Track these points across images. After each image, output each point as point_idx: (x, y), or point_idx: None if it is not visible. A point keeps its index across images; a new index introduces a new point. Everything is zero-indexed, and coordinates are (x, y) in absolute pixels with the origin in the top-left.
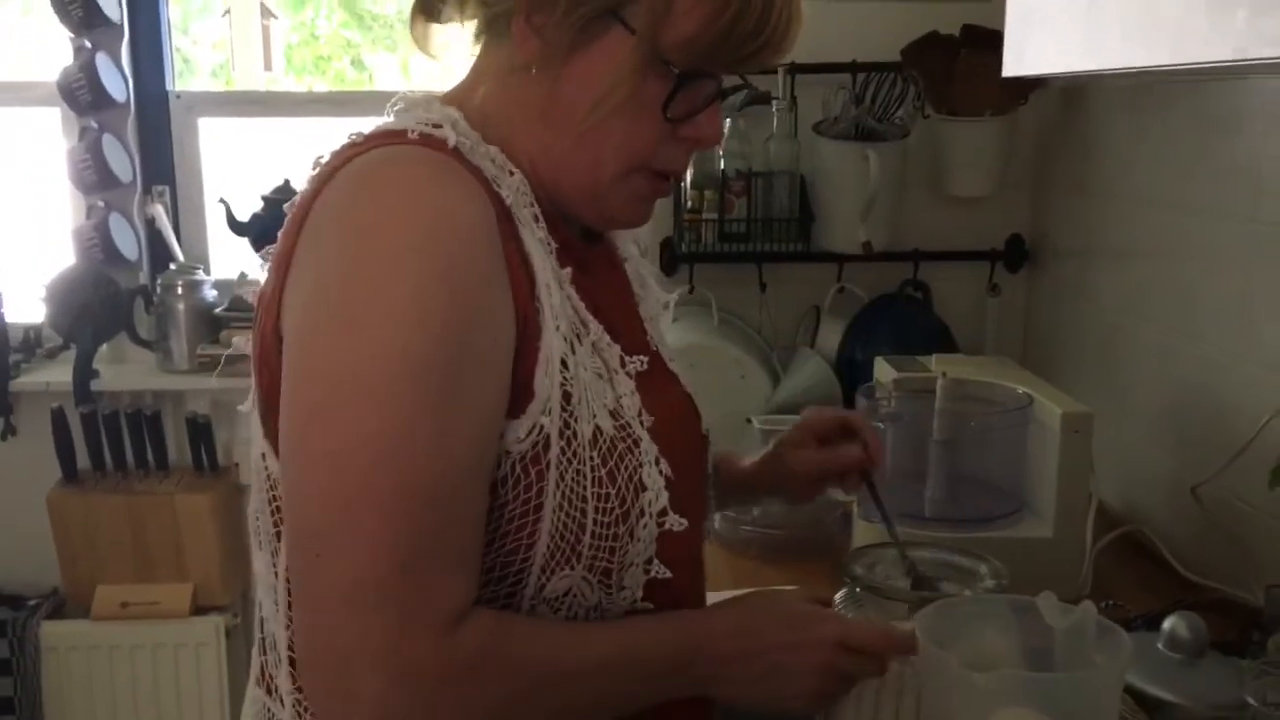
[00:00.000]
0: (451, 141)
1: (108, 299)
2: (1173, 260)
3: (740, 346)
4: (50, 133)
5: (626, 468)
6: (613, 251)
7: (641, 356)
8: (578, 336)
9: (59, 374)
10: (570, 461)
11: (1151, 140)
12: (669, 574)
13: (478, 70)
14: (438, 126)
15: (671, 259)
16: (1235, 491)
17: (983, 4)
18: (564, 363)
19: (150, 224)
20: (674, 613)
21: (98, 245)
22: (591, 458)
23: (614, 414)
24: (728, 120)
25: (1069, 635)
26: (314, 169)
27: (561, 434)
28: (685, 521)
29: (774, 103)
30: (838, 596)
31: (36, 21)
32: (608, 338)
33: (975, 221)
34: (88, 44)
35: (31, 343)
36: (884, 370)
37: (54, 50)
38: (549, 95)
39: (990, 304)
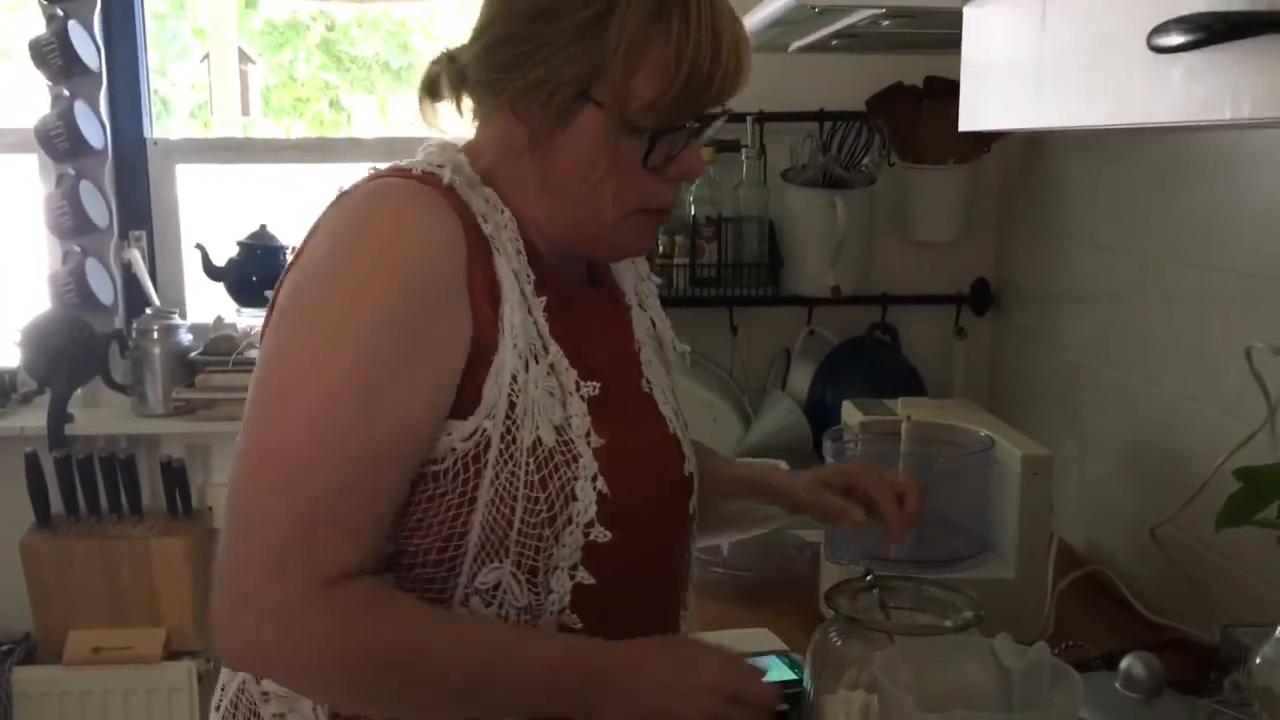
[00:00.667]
0: (446, 179)
1: (83, 343)
2: (1132, 305)
3: (712, 389)
4: (27, 178)
5: (560, 478)
6: (618, 297)
7: (595, 383)
8: (535, 357)
9: (33, 418)
10: (506, 464)
11: (1108, 188)
12: (592, 580)
13: (480, 139)
14: (441, 167)
15: None
16: (1193, 533)
17: (945, 56)
18: (514, 377)
19: (126, 269)
20: (572, 635)
21: (73, 290)
22: (527, 464)
23: (560, 429)
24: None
25: (1025, 676)
26: (336, 195)
27: (503, 439)
28: (609, 534)
29: (743, 150)
30: (820, 630)
31: (13, 68)
32: (566, 362)
33: (941, 266)
34: (66, 92)
35: (6, 387)
36: (851, 413)
37: (31, 96)
38: (543, 171)
39: (956, 346)
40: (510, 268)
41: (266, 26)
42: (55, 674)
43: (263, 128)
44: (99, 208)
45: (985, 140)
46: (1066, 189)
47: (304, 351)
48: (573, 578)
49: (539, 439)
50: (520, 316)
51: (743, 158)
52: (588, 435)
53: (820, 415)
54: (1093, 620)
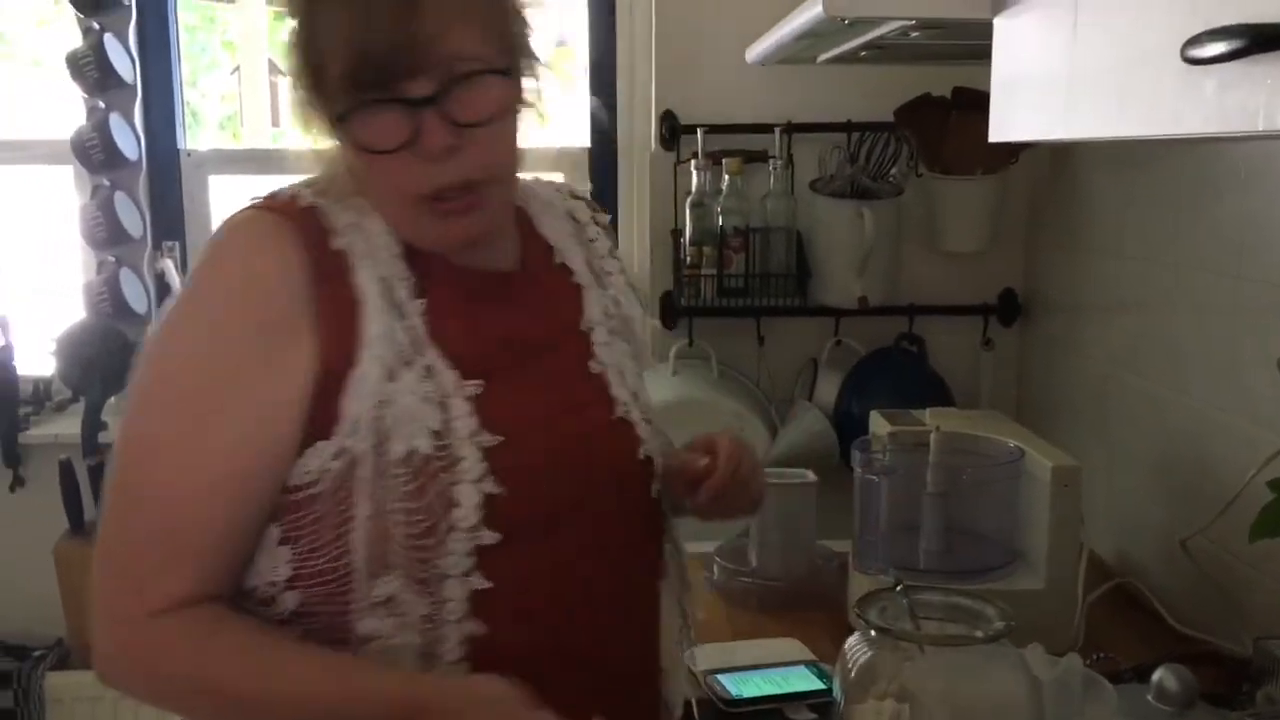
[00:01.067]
0: (304, 203)
1: (116, 352)
2: (1161, 315)
3: (739, 399)
4: (63, 189)
5: (438, 485)
6: (564, 276)
7: (478, 382)
8: (406, 363)
9: (68, 426)
10: (379, 478)
11: (1138, 198)
12: (487, 584)
13: None
14: (309, 187)
15: (671, 313)
16: (1224, 544)
17: (972, 67)
18: (380, 389)
19: (160, 278)
20: (400, 675)
21: (107, 300)
22: (401, 475)
23: (439, 434)
24: (726, 178)
25: (1057, 687)
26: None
27: (374, 453)
28: (498, 536)
29: (771, 161)
30: (850, 640)
31: (51, 81)
32: (444, 363)
33: (969, 276)
34: (101, 104)
35: (41, 395)
36: (879, 424)
37: (67, 108)
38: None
39: (984, 357)
40: (378, 275)
41: None
42: (88, 679)
43: (292, 139)
44: (133, 218)
45: (1013, 150)
46: (1095, 199)
47: (140, 390)
48: (467, 584)
49: (413, 449)
50: (383, 326)
51: (770, 168)
52: (474, 435)
53: (847, 426)
54: (1123, 632)
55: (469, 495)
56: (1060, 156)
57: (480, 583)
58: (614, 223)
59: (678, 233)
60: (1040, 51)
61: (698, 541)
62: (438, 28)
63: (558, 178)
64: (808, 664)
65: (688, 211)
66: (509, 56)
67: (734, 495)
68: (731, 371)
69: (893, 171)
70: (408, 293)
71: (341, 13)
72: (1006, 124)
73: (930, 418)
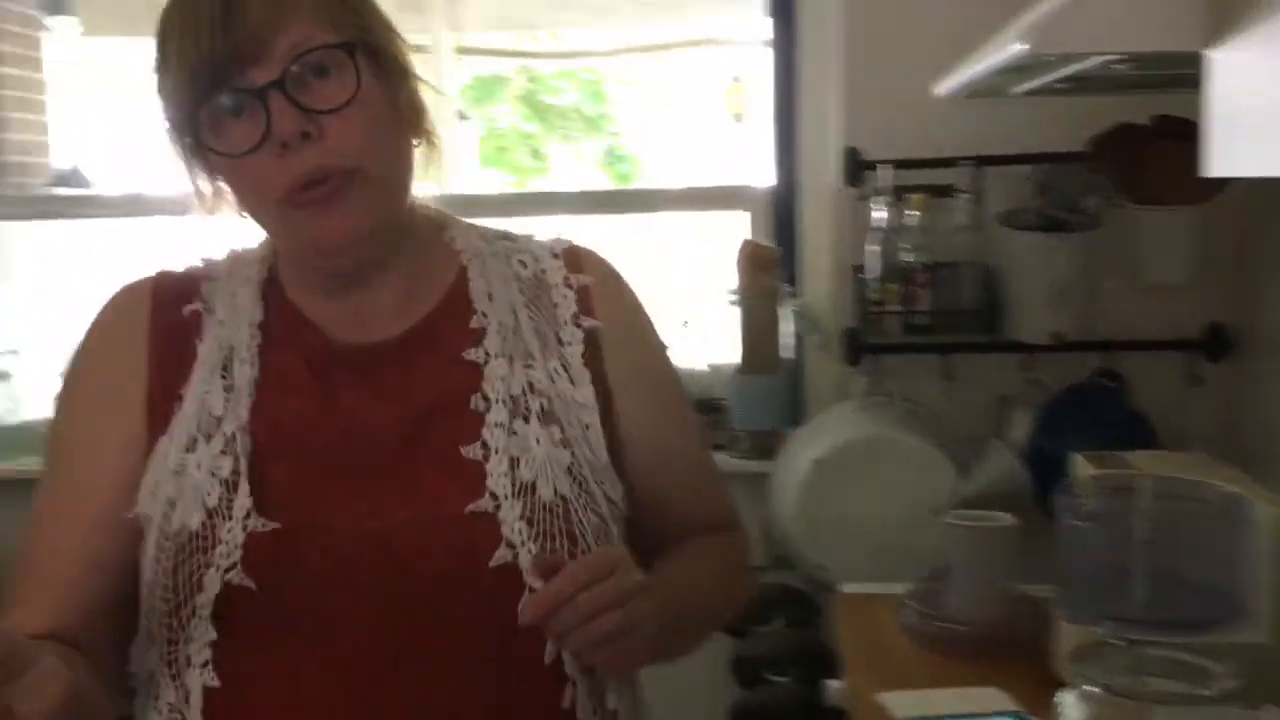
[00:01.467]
0: (200, 268)
1: None
2: None
3: (925, 437)
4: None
5: (190, 566)
6: (450, 361)
7: (243, 460)
8: (207, 435)
9: None
10: (157, 549)
11: None
12: (215, 682)
13: None
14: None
15: (854, 350)
16: None
17: (1170, 95)
18: (179, 458)
19: None
20: None
21: None
22: (168, 548)
23: (213, 512)
24: (915, 214)
25: None
26: None
27: (160, 522)
28: (214, 635)
29: (960, 195)
30: (1065, 696)
31: None
32: (245, 438)
33: (1169, 310)
34: None
35: None
36: (1082, 466)
37: None
38: None
39: (1190, 395)
40: (226, 343)
41: (475, 82)
42: None
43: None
44: None
45: (1222, 179)
46: None
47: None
48: (204, 677)
49: (184, 524)
50: (202, 394)
51: (959, 203)
52: (247, 519)
53: (1040, 466)
54: None
55: (214, 582)
56: (1276, 182)
57: (211, 680)
58: (794, 260)
59: (860, 269)
60: (1267, 84)
61: (885, 582)
62: (267, 17)
63: (744, 216)
64: (1012, 714)
65: (874, 248)
66: (351, 39)
67: (581, 624)
68: (918, 409)
69: (1087, 203)
70: (247, 361)
71: (177, 29)
72: (1225, 158)
73: (1137, 460)
